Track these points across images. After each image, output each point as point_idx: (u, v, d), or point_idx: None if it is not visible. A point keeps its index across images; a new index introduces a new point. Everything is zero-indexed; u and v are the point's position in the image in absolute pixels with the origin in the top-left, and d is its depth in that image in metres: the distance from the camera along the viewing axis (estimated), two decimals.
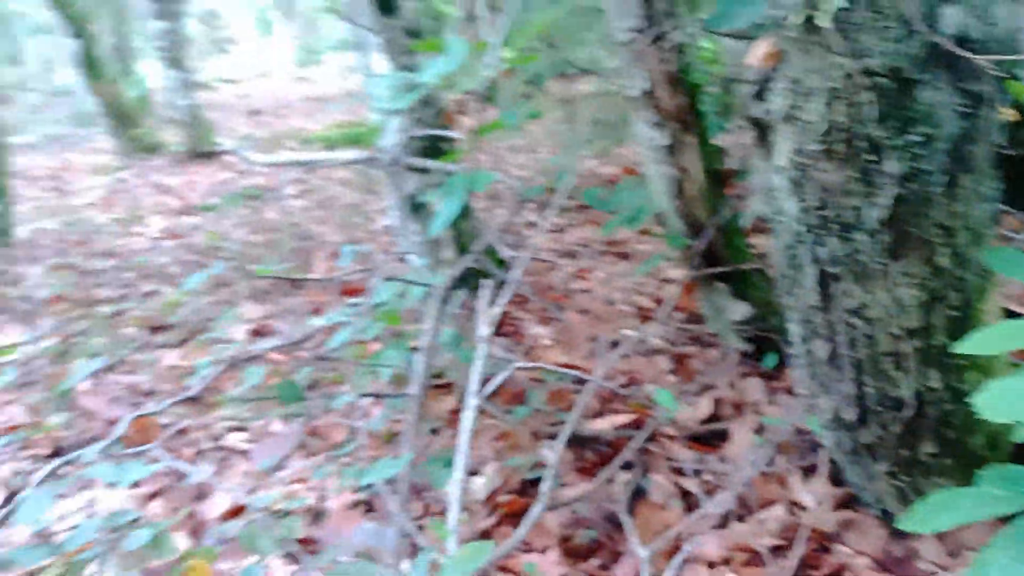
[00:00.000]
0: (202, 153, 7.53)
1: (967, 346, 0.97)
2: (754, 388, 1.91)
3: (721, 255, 2.03)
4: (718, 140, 2.40)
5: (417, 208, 2.97)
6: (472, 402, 1.49)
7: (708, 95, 3.61)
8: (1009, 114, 1.31)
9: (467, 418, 1.46)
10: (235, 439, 2.28)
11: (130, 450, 1.62)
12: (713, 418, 1.92)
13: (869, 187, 1.25)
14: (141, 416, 1.76)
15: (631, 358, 2.29)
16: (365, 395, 1.85)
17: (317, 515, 1.88)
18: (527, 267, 3.18)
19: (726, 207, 2.03)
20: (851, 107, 1.22)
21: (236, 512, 1.89)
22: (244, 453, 2.22)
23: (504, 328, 2.69)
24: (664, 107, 1.99)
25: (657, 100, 1.98)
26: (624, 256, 3.24)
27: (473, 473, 1.90)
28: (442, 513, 1.73)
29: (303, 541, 1.77)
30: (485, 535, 1.67)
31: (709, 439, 1.87)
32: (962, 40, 1.18)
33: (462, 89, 1.94)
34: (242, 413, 2.34)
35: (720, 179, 2.07)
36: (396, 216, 2.96)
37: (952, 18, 1.18)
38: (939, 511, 1.06)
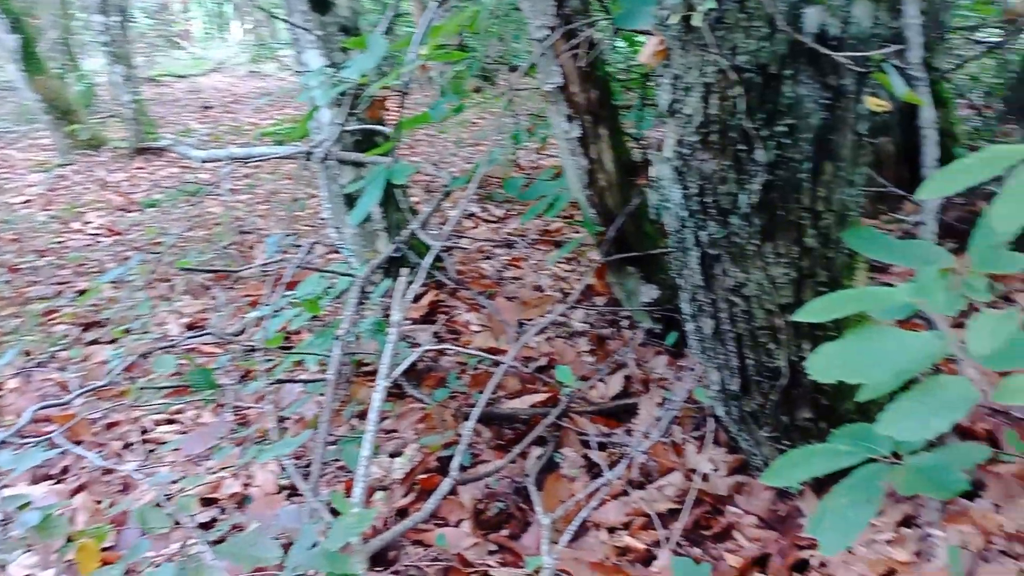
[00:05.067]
0: (146, 149, 7.45)
1: (802, 314, 1.07)
2: (661, 365, 2.02)
3: (632, 241, 2.13)
4: (649, 133, 2.50)
5: (350, 201, 3.02)
6: (382, 384, 1.56)
7: (636, 90, 3.72)
8: (876, 104, 1.42)
9: (376, 398, 1.53)
10: (164, 431, 2.31)
11: (30, 439, 1.65)
12: (624, 394, 2.02)
13: (742, 175, 1.35)
14: (47, 407, 1.78)
15: (554, 340, 2.38)
16: (277, 381, 1.91)
17: (242, 500, 1.93)
18: (463, 256, 3.26)
19: (636, 196, 2.13)
20: (724, 101, 1.31)
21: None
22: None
23: (436, 315, 2.76)
24: (576, 101, 2.07)
25: (570, 94, 2.07)
26: (557, 244, 3.33)
27: (396, 455, 1.97)
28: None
29: (235, 527, 1.82)
30: (402, 513, 1.75)
31: (619, 414, 1.97)
32: (823, 38, 1.28)
33: (384, 84, 2.01)
34: (171, 406, 2.37)
35: (632, 169, 2.17)
36: (330, 209, 3.01)
37: (813, 18, 1.28)
38: (794, 466, 1.17)
